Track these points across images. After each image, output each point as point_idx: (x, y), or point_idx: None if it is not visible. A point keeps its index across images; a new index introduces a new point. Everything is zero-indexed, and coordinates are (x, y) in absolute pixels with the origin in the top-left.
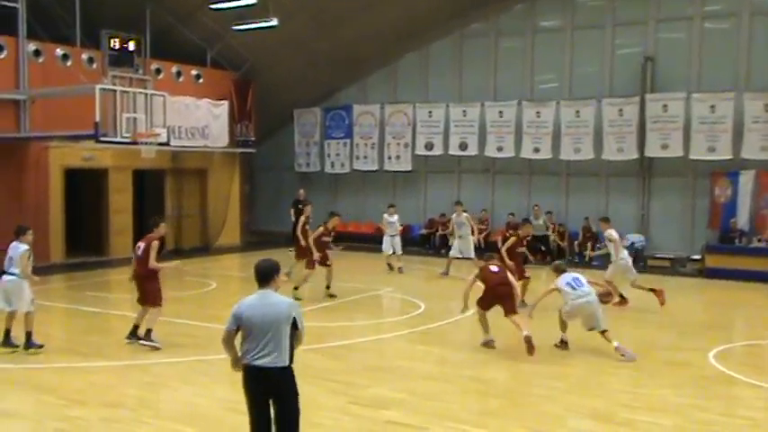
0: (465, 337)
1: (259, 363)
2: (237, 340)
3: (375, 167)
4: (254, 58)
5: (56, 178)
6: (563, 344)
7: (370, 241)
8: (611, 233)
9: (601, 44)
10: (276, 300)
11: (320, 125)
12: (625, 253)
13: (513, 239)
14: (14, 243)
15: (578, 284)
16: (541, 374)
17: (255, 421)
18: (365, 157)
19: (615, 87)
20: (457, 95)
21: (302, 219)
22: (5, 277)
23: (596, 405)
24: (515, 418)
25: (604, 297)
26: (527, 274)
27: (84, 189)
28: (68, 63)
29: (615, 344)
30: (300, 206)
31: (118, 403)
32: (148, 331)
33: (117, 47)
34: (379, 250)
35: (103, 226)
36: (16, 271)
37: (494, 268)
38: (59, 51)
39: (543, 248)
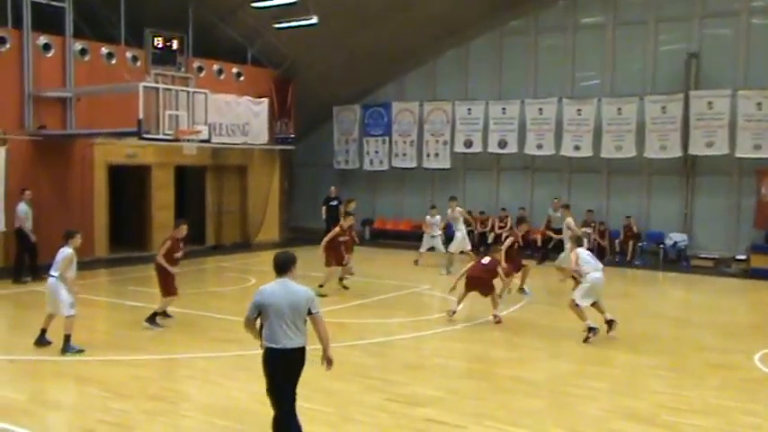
0: (503, 335)
1: (282, 345)
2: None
3: (413, 165)
4: (294, 55)
5: (100, 174)
6: (592, 330)
7: (408, 239)
8: (570, 222)
9: (644, 40)
10: (295, 288)
11: (359, 122)
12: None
13: (510, 239)
14: (63, 247)
15: (595, 259)
16: (581, 374)
17: (278, 401)
18: (404, 155)
19: (658, 84)
20: (496, 93)
21: (336, 230)
22: (48, 278)
23: (637, 406)
24: (554, 419)
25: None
26: (524, 263)
27: (128, 185)
28: (113, 61)
29: (608, 315)
30: (331, 203)
31: (159, 396)
32: (154, 314)
33: (160, 45)
34: (418, 248)
35: (146, 222)
36: (56, 273)
37: (484, 261)
38: (104, 50)
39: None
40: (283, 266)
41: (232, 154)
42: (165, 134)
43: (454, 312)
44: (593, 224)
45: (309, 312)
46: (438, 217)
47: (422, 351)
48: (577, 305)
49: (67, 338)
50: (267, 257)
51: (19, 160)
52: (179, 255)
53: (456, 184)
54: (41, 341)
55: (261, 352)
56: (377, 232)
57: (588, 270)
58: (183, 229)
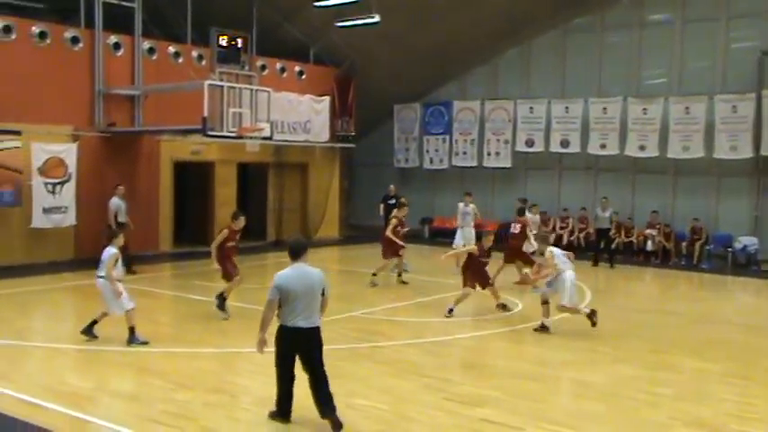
0: (564, 337)
1: (298, 324)
2: None
3: (474, 164)
4: (355, 54)
5: (166, 171)
6: (593, 314)
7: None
8: (537, 219)
9: (714, 38)
10: (310, 271)
11: (419, 121)
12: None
13: (473, 247)
14: (107, 247)
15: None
16: (644, 379)
17: (283, 375)
18: (464, 153)
19: (729, 83)
20: (559, 91)
21: (394, 221)
22: (98, 281)
23: (703, 414)
24: (616, 424)
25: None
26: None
27: (192, 181)
28: (179, 60)
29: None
30: (389, 202)
31: (220, 389)
32: (222, 298)
33: (225, 44)
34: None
35: (208, 217)
36: (103, 273)
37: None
38: (171, 49)
39: (603, 244)
40: (299, 251)
41: (293, 151)
42: (228, 131)
43: (452, 311)
44: (657, 225)
45: (322, 294)
46: (472, 206)
47: (480, 351)
48: (564, 306)
49: (132, 330)
50: (327, 254)
51: (89, 156)
52: (232, 244)
53: (516, 183)
54: (88, 332)
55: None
56: (436, 231)
57: (565, 269)
58: (242, 221)
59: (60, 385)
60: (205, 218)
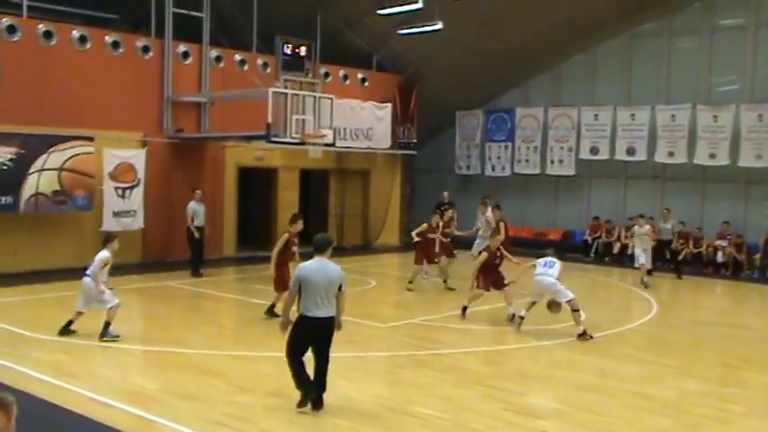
0: (629, 349)
1: (317, 314)
2: None
3: (537, 171)
4: (418, 61)
5: (230, 176)
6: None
7: (530, 246)
8: (491, 217)
9: None
10: (331, 266)
11: (481, 128)
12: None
13: (483, 256)
14: (102, 250)
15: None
16: (714, 395)
17: (295, 360)
18: (527, 161)
19: None
20: (625, 98)
21: (424, 226)
22: (84, 278)
23: None
24: None
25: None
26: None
27: (255, 187)
28: (245, 68)
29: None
30: (443, 209)
31: (280, 393)
32: (272, 306)
33: (289, 52)
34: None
35: (271, 222)
36: (90, 273)
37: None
38: (237, 57)
39: (669, 255)
40: (322, 246)
41: (355, 158)
42: (291, 138)
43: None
44: (728, 236)
45: (339, 288)
46: (490, 213)
47: (541, 361)
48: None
49: (107, 325)
50: (387, 260)
51: (157, 161)
52: (295, 249)
53: (580, 191)
54: (65, 331)
55: (379, 354)
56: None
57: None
58: (299, 224)
59: (127, 385)
60: (268, 223)
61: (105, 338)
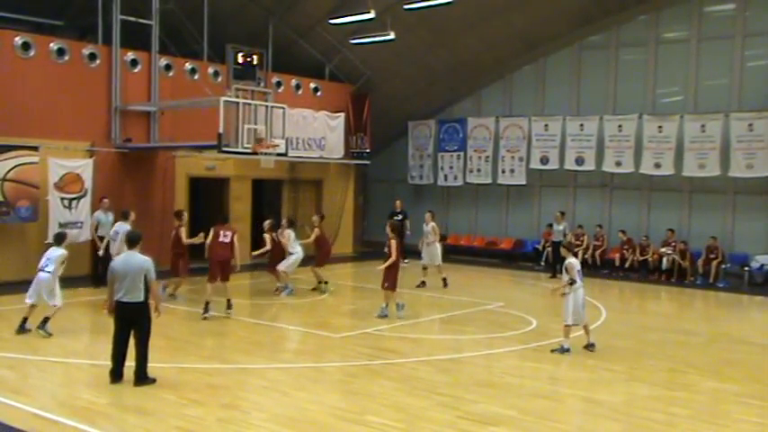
0: (578, 355)
1: (124, 299)
2: None
3: (488, 181)
4: (370, 71)
5: (181, 186)
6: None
7: (482, 255)
8: (435, 226)
9: (729, 55)
10: (138, 257)
11: (434, 138)
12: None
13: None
14: (53, 247)
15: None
16: (661, 399)
17: (114, 338)
18: (479, 171)
19: (745, 101)
20: (574, 109)
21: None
22: (41, 274)
23: None
24: None
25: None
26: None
27: (206, 197)
28: (195, 77)
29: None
30: (396, 218)
31: (233, 405)
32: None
33: (241, 61)
34: (492, 264)
35: None
36: (51, 269)
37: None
38: (188, 66)
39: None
40: (134, 241)
41: (308, 168)
42: (243, 147)
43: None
44: (673, 243)
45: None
46: (432, 224)
47: (494, 369)
48: None
49: (46, 320)
50: (341, 271)
51: (105, 172)
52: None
53: (531, 200)
54: (21, 329)
55: (333, 364)
56: (450, 248)
57: (579, 284)
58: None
59: (74, 400)
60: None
61: (41, 330)
